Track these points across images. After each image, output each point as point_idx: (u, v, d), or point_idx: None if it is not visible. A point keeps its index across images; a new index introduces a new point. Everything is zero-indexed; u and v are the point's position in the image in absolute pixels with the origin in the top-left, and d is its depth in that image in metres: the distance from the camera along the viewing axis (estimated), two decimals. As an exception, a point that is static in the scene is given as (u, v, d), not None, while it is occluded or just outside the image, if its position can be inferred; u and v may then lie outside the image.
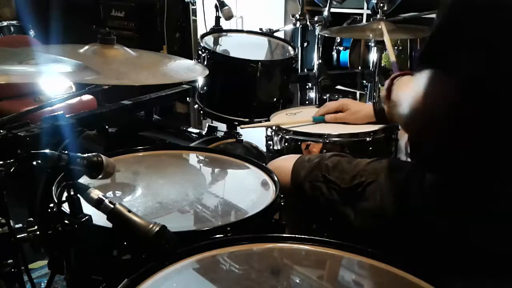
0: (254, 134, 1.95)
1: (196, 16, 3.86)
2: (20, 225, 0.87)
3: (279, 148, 1.62)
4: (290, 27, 2.44)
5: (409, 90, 1.00)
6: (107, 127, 1.80)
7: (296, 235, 0.98)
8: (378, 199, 1.20)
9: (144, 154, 1.44)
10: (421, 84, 0.95)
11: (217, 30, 2.13)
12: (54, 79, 2.95)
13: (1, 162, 0.82)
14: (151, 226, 0.78)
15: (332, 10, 2.29)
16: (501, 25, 0.88)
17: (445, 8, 0.93)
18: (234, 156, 1.44)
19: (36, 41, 3.97)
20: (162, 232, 0.77)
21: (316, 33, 2.27)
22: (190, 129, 2.61)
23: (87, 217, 0.86)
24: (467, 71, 0.90)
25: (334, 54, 3.17)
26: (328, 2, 2.25)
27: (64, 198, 0.87)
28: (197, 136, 2.40)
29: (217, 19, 2.12)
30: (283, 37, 2.54)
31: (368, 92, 2.52)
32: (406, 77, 1.16)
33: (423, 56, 0.98)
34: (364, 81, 2.51)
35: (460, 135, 0.99)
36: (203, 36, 2.06)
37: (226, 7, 2.06)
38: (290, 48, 2.14)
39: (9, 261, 0.85)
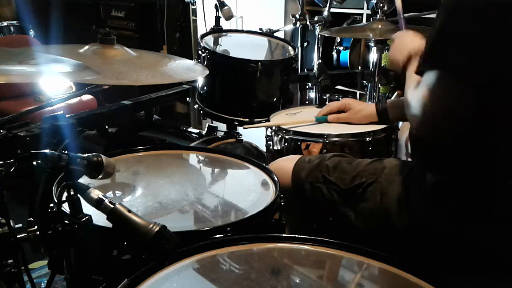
0: (254, 134, 1.95)
1: (196, 16, 3.86)
2: (20, 225, 0.87)
3: (279, 148, 1.62)
4: (290, 27, 2.44)
5: (418, 92, 1.00)
6: (107, 127, 1.80)
7: (296, 235, 0.98)
8: (378, 199, 1.20)
9: (144, 154, 1.44)
10: (429, 86, 0.95)
11: (217, 30, 2.13)
12: (54, 79, 2.95)
13: (1, 162, 0.82)
14: (151, 226, 0.78)
15: (332, 10, 2.29)
16: (502, 25, 0.88)
17: (445, 9, 0.93)
18: (234, 156, 1.44)
19: (36, 41, 3.97)
20: (162, 232, 0.77)
21: (316, 33, 2.27)
22: (190, 129, 2.61)
23: (87, 217, 0.85)
24: (471, 72, 0.90)
25: (334, 54, 3.17)
26: (328, 2, 2.25)
27: (64, 198, 0.86)
28: (197, 136, 2.39)
29: (217, 19, 2.12)
30: (283, 37, 2.54)
31: (368, 92, 2.52)
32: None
33: (427, 58, 0.98)
34: (364, 81, 2.51)
35: (468, 137, 0.99)
36: (203, 36, 2.06)
37: (226, 7, 2.06)
38: (290, 48, 2.13)
39: (9, 261, 0.85)
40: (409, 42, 1.25)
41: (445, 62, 0.93)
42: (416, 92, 1.01)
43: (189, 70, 1.33)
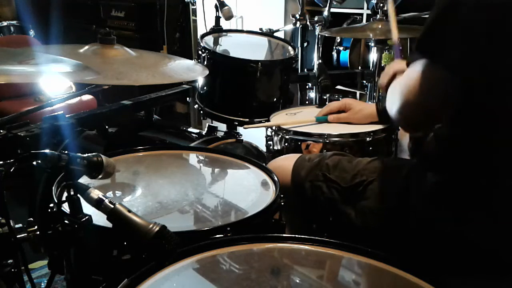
0: (254, 134, 1.95)
1: (196, 16, 3.86)
2: (20, 225, 0.87)
3: (279, 148, 1.62)
4: (290, 27, 2.44)
5: (402, 80, 1.00)
6: (107, 127, 1.80)
7: (296, 235, 0.98)
8: (378, 198, 1.20)
9: (144, 154, 1.44)
10: (416, 74, 0.94)
11: (217, 30, 2.13)
12: (54, 79, 2.95)
13: (1, 162, 0.82)
14: (151, 226, 0.78)
15: (332, 10, 2.29)
16: (502, 25, 0.88)
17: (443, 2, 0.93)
18: (234, 156, 1.44)
19: (36, 41, 3.97)
20: (162, 232, 0.77)
21: (316, 33, 2.27)
22: (190, 129, 2.61)
23: (87, 217, 0.85)
24: (462, 65, 0.90)
25: (334, 54, 3.17)
26: (328, 2, 2.25)
27: (64, 198, 0.86)
28: (197, 136, 2.39)
29: (217, 19, 2.12)
30: (283, 37, 2.54)
31: (368, 92, 2.52)
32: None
33: (419, 45, 0.98)
34: (364, 81, 2.51)
35: (455, 129, 0.99)
36: (203, 36, 2.06)
37: (226, 7, 2.06)
38: (290, 48, 2.13)
39: (9, 261, 0.85)
40: (396, 66, 1.26)
41: (438, 52, 0.93)
42: (403, 78, 1.01)
43: (189, 70, 1.33)
